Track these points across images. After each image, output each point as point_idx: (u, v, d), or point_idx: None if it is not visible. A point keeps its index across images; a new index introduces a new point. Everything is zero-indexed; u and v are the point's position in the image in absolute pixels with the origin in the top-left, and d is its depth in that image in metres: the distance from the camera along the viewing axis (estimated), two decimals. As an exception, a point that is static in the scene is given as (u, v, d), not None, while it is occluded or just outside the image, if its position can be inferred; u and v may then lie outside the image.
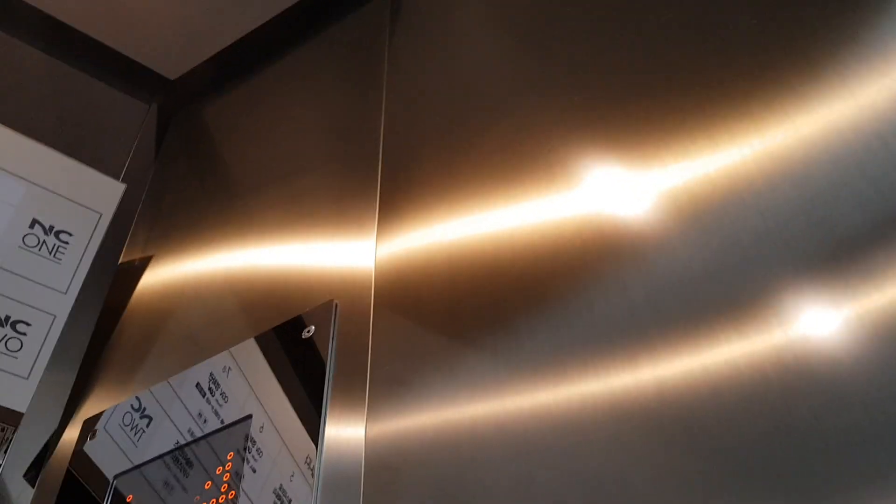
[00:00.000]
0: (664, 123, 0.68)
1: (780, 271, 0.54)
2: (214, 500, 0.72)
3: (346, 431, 0.69)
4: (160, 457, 0.81)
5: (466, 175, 0.81)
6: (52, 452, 0.95)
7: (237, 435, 0.76)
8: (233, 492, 0.72)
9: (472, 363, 0.65)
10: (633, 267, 0.61)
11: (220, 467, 0.75)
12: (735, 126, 0.63)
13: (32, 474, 0.96)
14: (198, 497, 0.74)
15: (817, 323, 0.51)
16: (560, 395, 0.58)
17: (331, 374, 0.74)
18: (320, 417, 0.71)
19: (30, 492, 0.97)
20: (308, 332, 0.79)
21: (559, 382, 0.59)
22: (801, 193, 0.57)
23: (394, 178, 0.89)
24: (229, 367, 0.85)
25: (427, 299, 0.73)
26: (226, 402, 0.82)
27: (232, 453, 0.75)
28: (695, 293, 0.57)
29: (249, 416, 0.77)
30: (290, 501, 0.69)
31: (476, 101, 0.89)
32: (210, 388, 0.85)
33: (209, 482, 0.74)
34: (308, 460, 0.70)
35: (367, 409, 0.69)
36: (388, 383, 0.69)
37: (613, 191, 0.67)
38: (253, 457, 0.74)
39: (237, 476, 0.73)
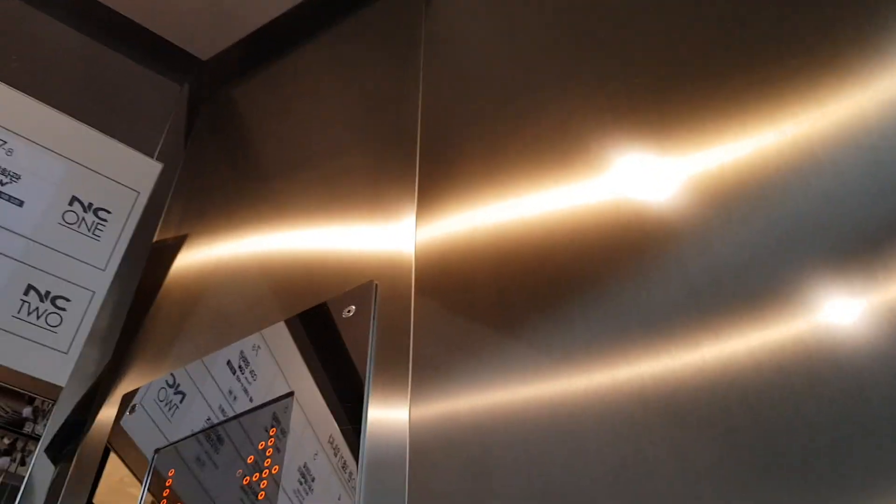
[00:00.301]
0: (714, 106, 0.68)
1: (820, 256, 0.54)
2: (258, 474, 0.73)
3: (389, 414, 0.69)
4: (204, 430, 0.82)
5: (510, 157, 0.81)
6: (90, 426, 0.97)
7: (277, 410, 0.77)
8: (276, 466, 0.73)
9: (520, 348, 0.65)
10: (679, 253, 0.61)
11: (263, 442, 0.76)
12: (790, 106, 0.63)
13: (70, 447, 0.97)
14: (240, 471, 0.75)
15: (860, 311, 0.51)
16: (611, 380, 0.58)
17: (372, 355, 0.74)
18: (363, 399, 0.71)
19: (62, 465, 0.98)
20: (349, 311, 0.79)
21: (610, 367, 0.59)
22: (846, 175, 0.56)
23: (433, 161, 0.89)
24: (259, 346, 0.85)
25: (471, 284, 0.73)
26: (255, 380, 0.83)
27: (274, 429, 0.76)
28: (744, 278, 0.57)
29: (291, 394, 0.77)
30: (313, 479, 0.70)
31: (517, 83, 0.88)
32: (240, 366, 0.86)
33: (252, 456, 0.75)
34: (331, 440, 0.71)
35: (411, 393, 0.69)
36: (431, 367, 0.69)
37: (666, 175, 0.67)
38: (278, 436, 0.75)
39: (279, 451, 0.74)
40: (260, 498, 0.72)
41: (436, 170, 0.88)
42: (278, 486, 0.71)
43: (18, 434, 1.00)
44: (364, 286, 0.80)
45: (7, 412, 1.05)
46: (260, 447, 0.75)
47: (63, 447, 0.98)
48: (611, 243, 0.66)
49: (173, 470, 0.81)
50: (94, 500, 0.89)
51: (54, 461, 0.99)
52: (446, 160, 0.88)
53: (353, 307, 0.79)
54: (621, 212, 0.67)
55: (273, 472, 0.73)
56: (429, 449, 0.64)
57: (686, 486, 0.51)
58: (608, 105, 0.76)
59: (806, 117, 0.61)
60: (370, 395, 0.71)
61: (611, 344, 0.60)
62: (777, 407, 0.50)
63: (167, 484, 0.80)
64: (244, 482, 0.74)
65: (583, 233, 0.69)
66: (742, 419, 0.51)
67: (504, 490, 0.58)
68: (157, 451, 0.85)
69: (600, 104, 0.77)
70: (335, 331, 0.80)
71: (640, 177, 0.68)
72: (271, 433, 0.76)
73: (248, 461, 0.75)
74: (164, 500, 0.79)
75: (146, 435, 0.88)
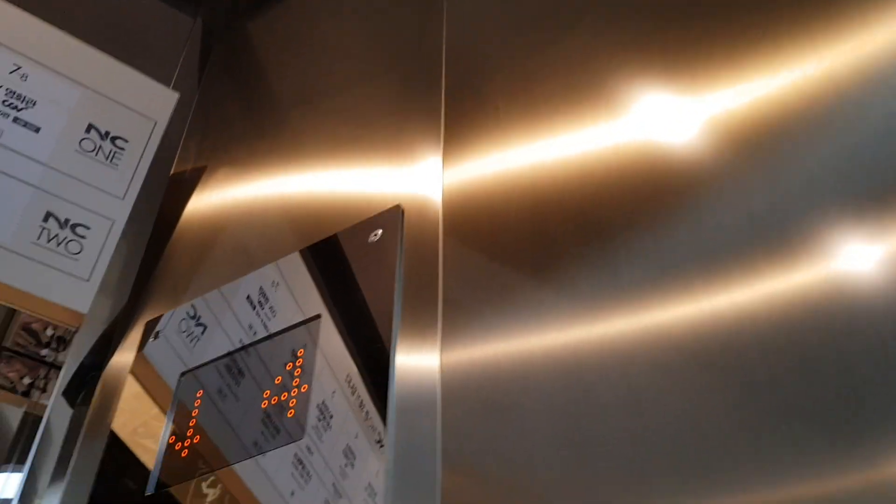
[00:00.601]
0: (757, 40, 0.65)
1: (854, 199, 0.52)
2: (286, 393, 0.73)
3: (419, 356, 0.67)
4: (232, 353, 0.82)
5: (543, 91, 0.77)
6: (112, 354, 0.97)
7: (304, 334, 0.77)
8: (305, 385, 0.72)
9: (556, 293, 0.63)
10: (721, 193, 0.60)
11: (291, 363, 0.75)
12: (819, 44, 0.60)
13: (93, 375, 0.98)
14: (268, 391, 0.75)
15: (878, 257, 0.50)
16: (644, 325, 0.57)
17: (400, 285, 0.72)
18: (388, 336, 0.69)
19: (84, 394, 0.99)
20: (375, 235, 0.78)
21: (644, 312, 0.58)
22: (873, 117, 0.54)
23: (459, 93, 0.86)
24: (277, 283, 0.85)
25: (502, 225, 0.70)
26: (274, 316, 0.82)
27: (302, 350, 0.75)
28: (775, 221, 0.55)
29: (318, 316, 0.77)
30: (331, 416, 0.69)
31: (548, 10, 0.85)
32: (259, 302, 0.85)
33: (279, 377, 0.75)
34: (349, 378, 0.70)
35: (441, 334, 0.67)
36: (462, 310, 0.67)
37: (705, 110, 0.65)
38: (306, 356, 0.74)
39: (309, 369, 0.73)
40: (290, 416, 0.72)
41: (462, 103, 0.85)
42: (308, 405, 0.71)
43: (40, 363, 1.01)
44: (391, 210, 0.79)
45: (28, 344, 1.05)
46: (288, 368, 0.75)
47: (85, 375, 0.99)
48: (648, 183, 0.64)
49: (201, 391, 0.81)
50: (116, 431, 0.89)
51: (76, 390, 0.99)
52: (473, 94, 0.84)
53: (380, 231, 0.78)
54: (660, 150, 0.65)
55: (302, 390, 0.72)
56: (461, 396, 0.62)
57: (733, 436, 0.50)
58: (646, 35, 0.73)
59: (849, 45, 0.59)
60: (398, 334, 0.69)
61: (649, 288, 0.58)
62: (797, 353, 0.50)
63: (195, 404, 0.80)
64: (273, 402, 0.73)
65: (615, 173, 0.66)
66: (769, 366, 0.50)
67: (542, 437, 0.57)
68: (182, 374, 0.84)
69: (638, 33, 0.74)
70: (358, 261, 0.79)
71: (682, 113, 0.66)
72: (299, 354, 0.75)
73: (276, 381, 0.75)
74: (192, 428, 0.79)
75: (169, 364, 0.88)
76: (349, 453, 0.67)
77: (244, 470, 0.72)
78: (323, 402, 0.71)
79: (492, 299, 0.66)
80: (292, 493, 0.68)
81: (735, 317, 0.53)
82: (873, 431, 0.45)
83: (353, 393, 0.70)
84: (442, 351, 0.66)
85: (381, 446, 0.64)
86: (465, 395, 0.62)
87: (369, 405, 0.67)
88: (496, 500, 0.56)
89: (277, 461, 0.70)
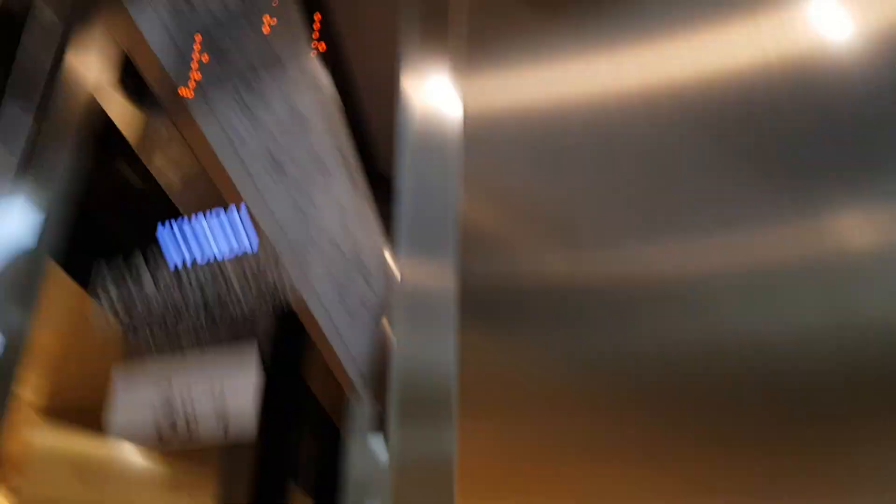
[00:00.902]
0: None
1: None
2: None
3: (430, 77, 0.63)
4: None
5: None
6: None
7: None
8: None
9: (562, 32, 0.62)
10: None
11: None
12: None
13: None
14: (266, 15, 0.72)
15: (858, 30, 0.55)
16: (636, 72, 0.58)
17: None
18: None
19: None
20: None
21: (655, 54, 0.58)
22: None
23: None
24: None
25: None
26: None
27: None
28: None
29: None
30: (308, 122, 0.69)
31: None
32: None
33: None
34: (324, 92, 0.67)
35: (458, 63, 0.63)
36: (478, 41, 0.64)
37: None
38: None
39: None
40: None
41: None
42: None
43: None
44: None
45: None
46: None
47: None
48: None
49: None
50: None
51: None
52: None
53: None
54: None
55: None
56: (482, 130, 0.60)
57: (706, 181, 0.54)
58: None
59: None
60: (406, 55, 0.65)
61: (665, 34, 0.59)
62: (770, 110, 0.55)
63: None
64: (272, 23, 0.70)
65: None
66: (714, 124, 0.56)
67: (572, 178, 0.58)
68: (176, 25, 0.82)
69: None
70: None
71: None
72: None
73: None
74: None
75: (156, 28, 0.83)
76: (323, 168, 0.68)
77: (219, 147, 0.72)
78: (296, 104, 0.69)
79: (510, 35, 0.63)
80: (265, 185, 0.70)
81: (726, 72, 0.57)
82: (814, 182, 0.52)
83: (328, 108, 0.69)
84: (462, 79, 0.63)
85: (354, 170, 0.65)
86: (486, 131, 0.61)
87: (341, 124, 0.67)
88: (520, 228, 0.58)
89: (252, 154, 0.72)
